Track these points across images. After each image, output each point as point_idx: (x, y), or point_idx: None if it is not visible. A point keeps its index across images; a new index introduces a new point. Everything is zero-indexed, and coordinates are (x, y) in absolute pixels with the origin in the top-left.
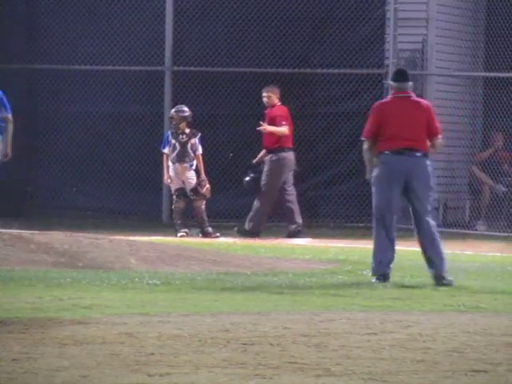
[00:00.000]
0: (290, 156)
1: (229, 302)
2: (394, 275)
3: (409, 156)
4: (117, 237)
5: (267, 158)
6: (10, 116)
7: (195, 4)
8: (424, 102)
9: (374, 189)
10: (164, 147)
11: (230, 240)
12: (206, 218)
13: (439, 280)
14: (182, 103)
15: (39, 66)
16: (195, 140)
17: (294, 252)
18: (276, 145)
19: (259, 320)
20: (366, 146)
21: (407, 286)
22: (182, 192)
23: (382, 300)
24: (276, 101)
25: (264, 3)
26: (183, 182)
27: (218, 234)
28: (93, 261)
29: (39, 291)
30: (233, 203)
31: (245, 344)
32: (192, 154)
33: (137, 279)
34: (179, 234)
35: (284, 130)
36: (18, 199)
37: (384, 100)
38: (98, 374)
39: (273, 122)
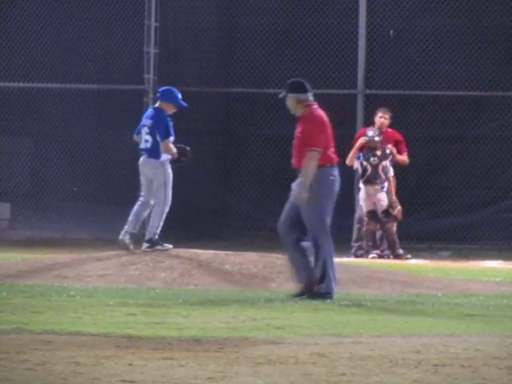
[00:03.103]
0: None
1: (419, 324)
2: None
3: None
4: None
5: None
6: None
7: (388, 27)
8: None
9: None
10: (355, 168)
11: (421, 262)
12: (397, 240)
13: None
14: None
15: (235, 90)
16: (386, 162)
17: (485, 274)
18: None
19: (450, 342)
20: None
21: None
22: (373, 214)
23: None
24: None
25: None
26: (374, 204)
27: (409, 256)
28: (285, 282)
29: (233, 311)
30: (424, 225)
31: (436, 365)
32: (383, 176)
33: (328, 300)
34: (370, 256)
35: None
36: (213, 221)
37: None
38: None
39: None
